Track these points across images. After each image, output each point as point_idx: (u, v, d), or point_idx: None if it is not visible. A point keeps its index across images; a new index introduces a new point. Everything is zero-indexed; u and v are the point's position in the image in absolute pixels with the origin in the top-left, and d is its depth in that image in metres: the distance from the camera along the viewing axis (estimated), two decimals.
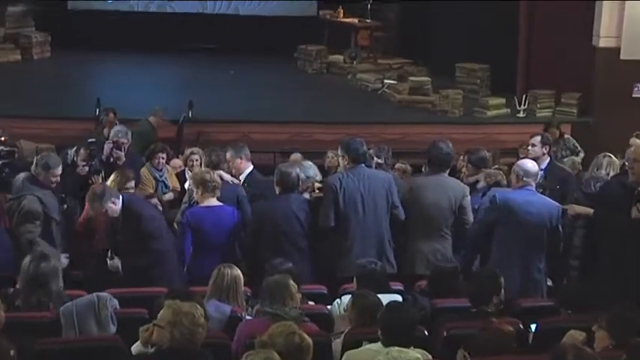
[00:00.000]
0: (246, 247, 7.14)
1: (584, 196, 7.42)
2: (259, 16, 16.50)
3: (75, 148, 8.46)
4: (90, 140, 8.60)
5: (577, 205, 7.27)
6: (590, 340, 5.14)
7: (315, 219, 7.04)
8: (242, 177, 7.72)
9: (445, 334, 5.46)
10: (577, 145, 11.42)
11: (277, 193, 7.13)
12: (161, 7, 16.59)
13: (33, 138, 10.92)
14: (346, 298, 5.83)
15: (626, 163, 7.27)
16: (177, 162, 9.74)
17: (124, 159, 8.50)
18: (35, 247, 6.57)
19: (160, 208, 8.33)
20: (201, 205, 7.09)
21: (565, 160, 9.98)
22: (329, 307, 6.03)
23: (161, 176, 9.10)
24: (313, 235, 7.04)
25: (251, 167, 7.84)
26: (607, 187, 7.37)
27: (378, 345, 4.95)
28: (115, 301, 5.57)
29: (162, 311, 4.66)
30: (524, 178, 6.87)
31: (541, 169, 7.56)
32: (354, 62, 15.49)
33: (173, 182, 9.23)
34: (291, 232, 6.98)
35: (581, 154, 11.02)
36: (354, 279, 6.17)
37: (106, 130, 9.84)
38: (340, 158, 7.25)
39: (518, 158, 8.59)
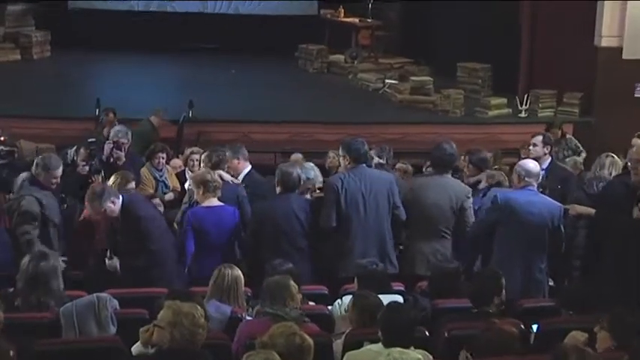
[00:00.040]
0: (246, 247, 7.13)
1: (586, 196, 7.41)
2: (260, 15, 16.48)
3: (75, 148, 8.46)
4: (90, 140, 8.59)
5: (579, 205, 7.26)
6: (592, 341, 5.12)
7: (315, 219, 7.02)
8: (240, 177, 7.69)
9: (446, 334, 5.45)
10: (579, 145, 11.41)
11: (278, 192, 7.11)
12: (161, 6, 16.57)
13: (33, 138, 10.92)
14: (347, 299, 5.82)
15: (629, 164, 7.26)
16: (177, 162, 9.73)
17: (124, 159, 8.48)
18: (33, 247, 6.55)
19: (162, 208, 8.33)
20: (203, 205, 7.08)
21: (567, 160, 9.98)
22: (330, 307, 6.01)
23: (161, 176, 9.09)
24: (314, 236, 7.03)
25: (249, 167, 7.82)
26: (609, 187, 7.37)
27: (379, 346, 4.94)
28: (115, 302, 5.56)
29: (162, 312, 4.64)
30: (526, 179, 6.86)
31: (542, 169, 7.54)
32: (355, 62, 15.47)
33: (173, 182, 9.22)
34: (291, 232, 6.97)
35: (583, 155, 11.02)
36: (355, 279, 6.16)
37: (105, 130, 9.83)
38: (341, 158, 7.23)
39: (520, 158, 8.57)
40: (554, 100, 13.31)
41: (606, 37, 12.72)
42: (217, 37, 16.18)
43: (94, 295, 5.53)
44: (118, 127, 8.92)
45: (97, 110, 11.78)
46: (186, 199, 7.66)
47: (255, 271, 6.41)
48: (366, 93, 14.48)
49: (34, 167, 7.18)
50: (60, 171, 7.16)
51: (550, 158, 8.16)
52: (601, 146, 9.42)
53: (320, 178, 7.89)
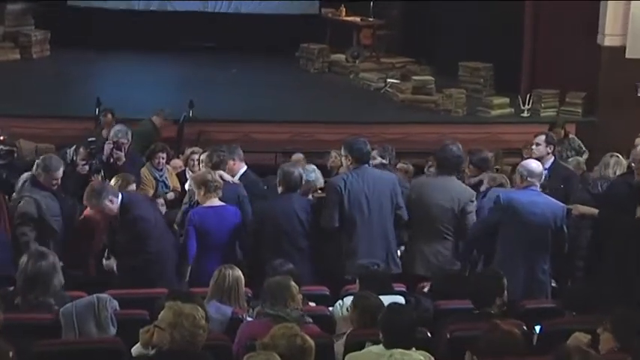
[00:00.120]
0: (246, 247, 7.10)
1: (591, 196, 7.39)
2: (261, 14, 16.45)
3: (74, 148, 8.44)
4: (90, 139, 8.56)
5: (584, 205, 7.23)
6: (594, 342, 5.10)
7: (316, 219, 7.00)
8: (236, 178, 7.68)
9: (448, 335, 5.43)
10: (582, 145, 11.39)
11: (280, 192, 7.09)
12: (162, 5, 16.55)
13: (32, 137, 10.92)
14: (348, 300, 5.80)
15: (632, 164, 7.25)
16: (177, 162, 9.72)
17: (124, 159, 8.46)
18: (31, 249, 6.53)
19: (165, 209, 8.32)
20: (205, 205, 7.05)
21: (569, 160, 9.96)
22: (331, 308, 5.99)
23: (161, 176, 9.08)
24: (315, 236, 7.01)
25: (245, 168, 7.81)
26: (612, 186, 7.37)
27: (380, 347, 4.92)
28: (115, 303, 5.53)
29: (162, 313, 4.62)
30: (529, 179, 6.83)
31: (545, 169, 7.53)
32: (357, 61, 15.45)
33: (173, 182, 9.21)
34: (292, 232, 6.95)
35: (585, 155, 10.99)
36: (357, 280, 6.14)
37: (104, 132, 9.77)
38: (343, 158, 7.21)
39: (523, 158, 8.55)
40: (556, 99, 13.29)
41: (609, 36, 12.69)
42: (218, 37, 16.16)
43: (94, 295, 5.51)
44: (117, 127, 8.89)
45: (97, 110, 11.75)
46: (186, 199, 7.64)
47: (256, 271, 6.39)
48: (368, 92, 14.46)
49: (34, 168, 7.19)
50: (60, 172, 7.16)
51: (553, 158, 8.14)
52: (604, 146, 9.40)
53: (321, 181, 7.87)
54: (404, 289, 6.36)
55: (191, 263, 7.02)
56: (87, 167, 8.16)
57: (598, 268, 7.25)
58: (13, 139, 9.64)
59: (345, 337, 5.40)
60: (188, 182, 7.97)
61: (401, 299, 5.84)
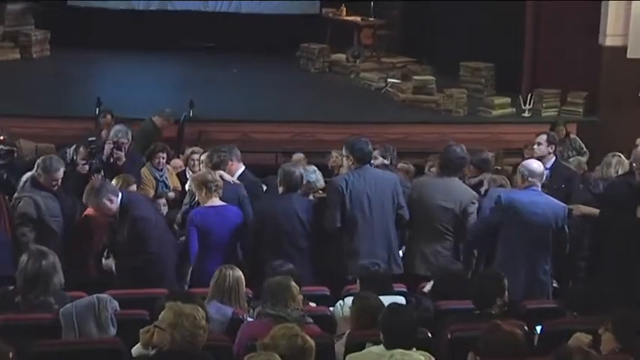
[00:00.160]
0: (247, 247, 7.09)
1: (593, 196, 7.38)
2: (261, 14, 16.42)
3: (74, 147, 8.43)
4: (90, 139, 8.55)
5: (586, 205, 7.22)
6: (596, 342, 5.09)
7: (317, 220, 6.99)
8: (233, 178, 7.66)
9: (449, 336, 5.42)
10: (583, 145, 11.38)
11: (280, 192, 7.09)
12: (162, 5, 16.53)
13: (32, 137, 10.90)
14: (349, 300, 5.79)
15: (634, 164, 7.24)
16: (177, 162, 9.71)
17: (124, 159, 8.44)
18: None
19: (167, 208, 8.30)
20: (206, 205, 7.05)
21: (571, 160, 9.94)
22: (331, 308, 5.97)
23: (161, 176, 9.07)
24: (316, 236, 6.99)
25: (242, 168, 7.80)
26: (613, 186, 7.37)
27: (381, 348, 4.91)
28: (116, 303, 5.53)
29: (163, 313, 4.61)
30: (530, 179, 6.82)
31: (546, 168, 7.54)
32: (357, 61, 15.43)
33: (174, 182, 9.20)
34: (293, 232, 6.95)
35: (586, 156, 10.98)
36: (358, 280, 6.13)
37: (104, 133, 9.74)
38: (345, 158, 7.20)
39: (524, 158, 8.53)
40: (558, 99, 13.26)
41: (610, 36, 12.67)
42: (218, 36, 16.14)
43: (94, 296, 5.50)
44: (118, 127, 8.87)
45: (97, 109, 11.73)
46: (186, 199, 7.63)
47: (256, 271, 6.37)
48: (368, 92, 14.44)
49: (35, 168, 7.19)
50: (61, 173, 7.16)
51: (554, 157, 8.14)
52: (606, 146, 9.38)
53: (321, 182, 7.87)
54: (404, 290, 6.35)
55: (192, 263, 7.02)
56: (87, 167, 8.15)
57: (599, 268, 7.24)
58: (13, 139, 9.63)
59: (345, 337, 5.38)
60: (188, 183, 7.96)
61: (402, 299, 5.83)
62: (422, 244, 7.11)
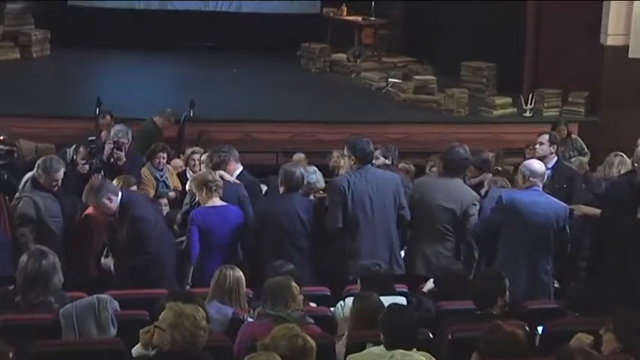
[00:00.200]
0: (247, 247, 7.08)
1: (593, 196, 7.37)
2: (262, 13, 16.41)
3: (74, 147, 8.42)
4: (90, 138, 8.54)
5: (587, 205, 7.21)
6: (597, 343, 5.08)
7: (317, 220, 6.98)
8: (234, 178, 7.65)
9: (450, 336, 5.41)
10: (584, 146, 11.36)
11: (281, 192, 7.08)
12: (162, 5, 16.52)
13: (32, 137, 10.88)
14: (350, 300, 5.78)
15: (635, 164, 7.23)
16: (177, 162, 9.70)
17: (124, 159, 8.43)
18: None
19: (168, 208, 8.29)
20: (207, 205, 7.03)
21: (572, 160, 9.93)
22: (332, 309, 5.96)
23: (162, 176, 9.06)
24: (316, 236, 6.98)
25: (240, 168, 7.79)
26: (614, 186, 7.36)
27: (381, 348, 4.90)
28: (116, 303, 5.52)
29: (163, 313, 4.61)
30: (531, 179, 6.81)
31: (548, 168, 7.53)
32: (358, 61, 15.42)
33: (174, 182, 9.19)
34: (293, 232, 6.94)
35: (588, 156, 10.96)
36: (358, 281, 6.12)
37: (103, 134, 9.72)
38: (346, 158, 7.18)
39: (525, 158, 8.52)
40: (559, 99, 13.24)
41: (612, 36, 12.66)
42: (218, 36, 16.13)
43: (94, 296, 5.50)
44: (118, 127, 8.85)
45: (98, 109, 11.71)
46: (187, 200, 7.62)
47: (257, 272, 6.36)
48: (369, 92, 14.42)
49: (35, 169, 7.19)
50: (61, 173, 7.16)
51: (556, 157, 8.13)
52: (607, 146, 9.36)
53: (321, 183, 7.86)
54: (406, 290, 6.34)
55: (194, 264, 7.00)
56: (87, 166, 8.14)
57: (600, 268, 7.22)
58: (13, 139, 9.62)
59: (345, 338, 5.38)
60: (188, 183, 7.95)
61: (402, 300, 5.82)
62: (423, 245, 7.10)
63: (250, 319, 5.58)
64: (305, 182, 7.26)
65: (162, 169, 9.11)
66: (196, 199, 7.20)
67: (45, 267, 5.57)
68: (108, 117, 10.68)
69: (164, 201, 8.49)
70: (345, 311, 5.78)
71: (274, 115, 12.88)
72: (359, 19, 15.93)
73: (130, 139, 8.74)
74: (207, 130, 12.06)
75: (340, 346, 5.33)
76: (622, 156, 7.98)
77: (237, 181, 7.58)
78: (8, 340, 4.67)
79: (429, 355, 4.90)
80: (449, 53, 14.73)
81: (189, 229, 7.01)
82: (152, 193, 8.73)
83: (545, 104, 13.15)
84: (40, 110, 12.33)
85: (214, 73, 14.77)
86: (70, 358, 5.10)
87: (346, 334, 5.45)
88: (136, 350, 4.90)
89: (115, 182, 7.34)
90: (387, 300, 5.50)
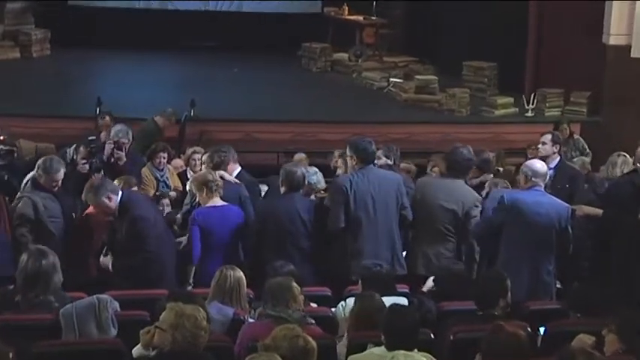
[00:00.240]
0: (248, 247, 7.07)
1: (596, 197, 7.36)
2: (262, 13, 16.40)
3: (74, 147, 8.42)
4: (90, 138, 8.52)
5: (589, 206, 7.20)
6: (599, 344, 5.07)
7: (318, 220, 6.96)
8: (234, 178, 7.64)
9: (452, 337, 5.40)
10: (586, 146, 11.35)
11: (282, 192, 7.07)
12: (162, 4, 16.51)
13: (32, 137, 10.89)
14: (351, 301, 5.76)
15: (638, 164, 7.22)
16: (178, 162, 9.69)
17: (125, 159, 8.41)
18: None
19: (170, 209, 8.27)
20: (207, 205, 7.02)
21: (574, 160, 9.92)
22: (333, 309, 5.94)
23: (162, 176, 9.05)
24: (317, 236, 6.96)
25: (239, 169, 7.78)
26: (616, 186, 7.35)
27: (382, 349, 4.90)
28: (116, 304, 5.51)
29: (164, 314, 4.61)
30: (533, 179, 6.80)
31: (551, 168, 7.52)
32: (359, 60, 15.41)
33: (174, 182, 9.17)
34: (295, 232, 6.93)
35: (589, 156, 10.95)
36: (360, 281, 6.10)
37: (103, 134, 9.68)
38: (348, 158, 7.16)
39: (527, 158, 8.51)
40: (561, 99, 13.23)
41: (614, 36, 12.64)
42: (219, 36, 16.12)
43: (95, 296, 5.49)
44: (118, 127, 8.83)
45: (98, 109, 11.70)
46: (187, 200, 7.62)
47: (258, 272, 6.35)
48: (371, 92, 14.41)
49: (35, 169, 7.20)
50: (61, 174, 7.16)
51: (559, 157, 8.13)
52: (610, 146, 9.35)
53: (322, 183, 7.84)
54: (407, 290, 6.32)
55: (195, 264, 6.99)
56: (87, 166, 8.13)
57: (602, 268, 7.21)
58: (13, 139, 9.61)
59: (345, 338, 5.37)
60: (188, 183, 7.94)
61: (404, 300, 5.80)
62: (424, 245, 7.10)
63: (251, 320, 5.58)
64: (306, 182, 7.25)
65: (162, 169, 9.09)
66: (197, 199, 7.19)
67: (45, 266, 5.57)
68: (107, 118, 10.64)
69: (166, 201, 8.47)
70: (346, 312, 5.76)
71: (275, 114, 12.86)
72: (360, 18, 15.91)
73: (131, 139, 8.73)
74: (208, 130, 12.04)
75: (341, 347, 5.32)
76: (625, 156, 7.98)
77: (238, 181, 7.57)
78: (8, 340, 4.66)
79: (430, 355, 4.90)
80: (450, 53, 14.71)
81: (191, 229, 7.00)
82: (152, 193, 8.71)
83: (547, 104, 13.13)
84: (40, 110, 12.31)
85: (215, 72, 14.76)
86: (70, 358, 5.09)
87: (346, 334, 5.43)
88: (137, 351, 4.89)
89: (115, 182, 7.33)
90: (388, 300, 5.49)
